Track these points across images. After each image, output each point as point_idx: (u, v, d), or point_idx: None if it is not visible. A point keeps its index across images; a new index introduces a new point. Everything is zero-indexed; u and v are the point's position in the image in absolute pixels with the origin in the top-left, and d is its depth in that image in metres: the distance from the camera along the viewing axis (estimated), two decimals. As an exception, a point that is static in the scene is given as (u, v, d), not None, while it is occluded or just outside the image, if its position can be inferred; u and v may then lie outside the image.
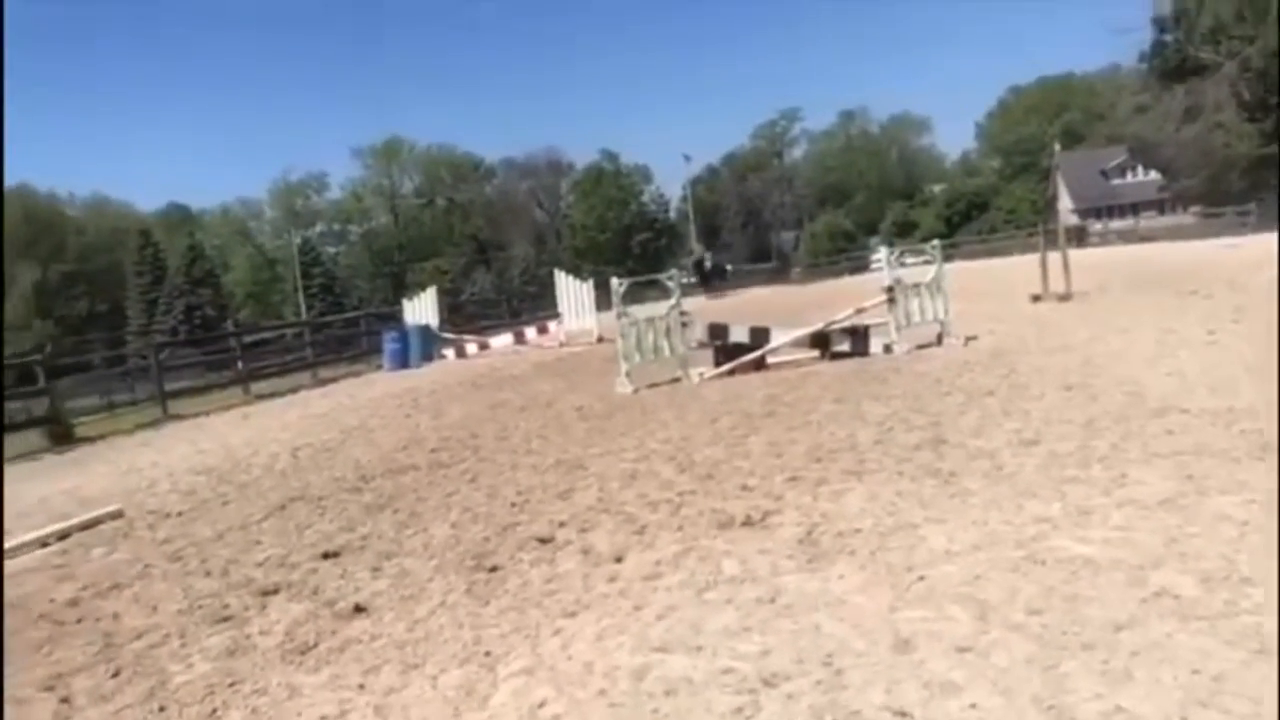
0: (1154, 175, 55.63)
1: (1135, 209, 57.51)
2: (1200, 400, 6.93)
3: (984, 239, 51.58)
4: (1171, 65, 47.52)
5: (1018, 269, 22.53)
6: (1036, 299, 16.39)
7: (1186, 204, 50.58)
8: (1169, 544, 4.14)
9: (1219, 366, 8.34)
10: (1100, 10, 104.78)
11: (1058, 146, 24.97)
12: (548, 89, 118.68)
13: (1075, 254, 20.40)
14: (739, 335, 12.26)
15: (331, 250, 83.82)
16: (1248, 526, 4.24)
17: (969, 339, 11.95)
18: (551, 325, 20.93)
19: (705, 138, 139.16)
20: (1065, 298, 15.96)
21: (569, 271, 24.01)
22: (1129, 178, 60.42)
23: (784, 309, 20.49)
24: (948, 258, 14.96)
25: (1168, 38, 48.18)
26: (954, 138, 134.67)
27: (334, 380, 19.58)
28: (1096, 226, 54.01)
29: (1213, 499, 4.69)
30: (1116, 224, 54.16)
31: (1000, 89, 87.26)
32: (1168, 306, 13.56)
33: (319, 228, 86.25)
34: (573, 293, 20.86)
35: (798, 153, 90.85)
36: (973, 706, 2.96)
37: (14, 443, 14.05)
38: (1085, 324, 12.43)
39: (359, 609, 4.62)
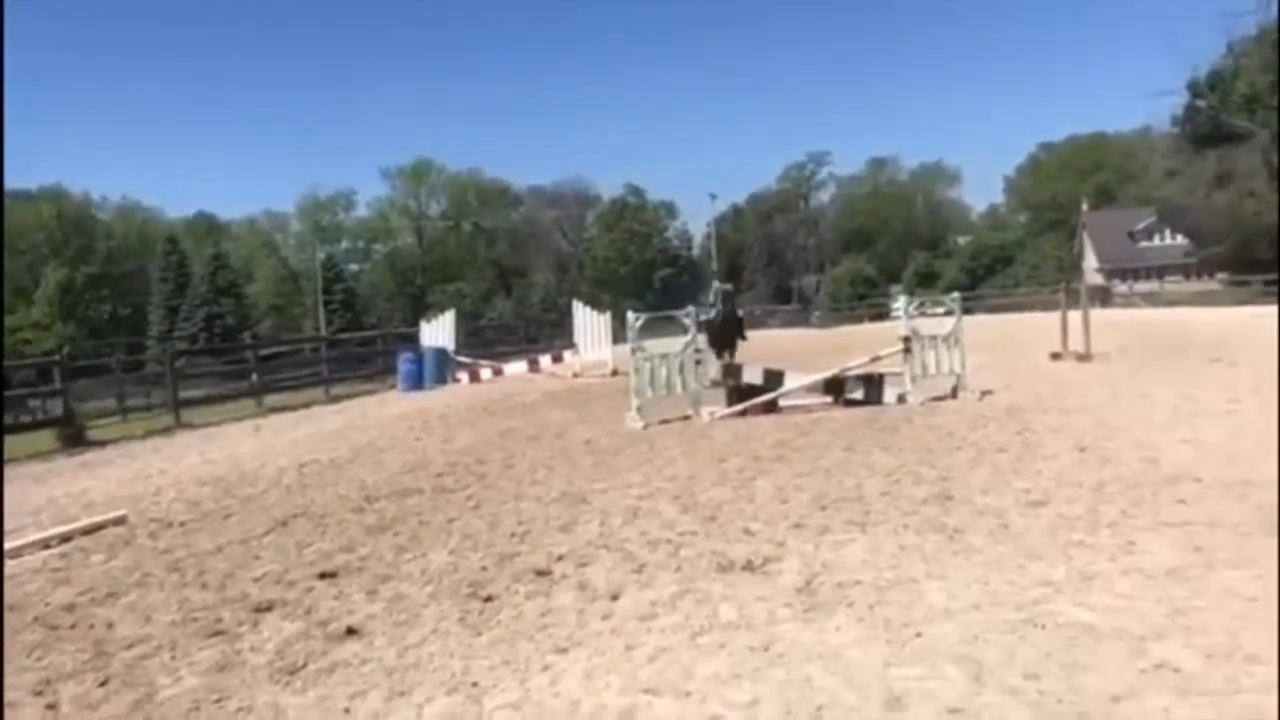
0: (1181, 240, 55.46)
1: (1161, 272, 57.22)
2: (1215, 470, 6.85)
3: (1007, 293, 51.39)
4: (1204, 131, 47.56)
5: (1039, 325, 22.40)
6: (1056, 357, 16.29)
7: (1213, 270, 50.30)
8: (1173, 616, 4.08)
9: (1237, 438, 8.25)
10: (1135, 71, 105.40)
11: (1085, 205, 24.86)
12: (577, 121, 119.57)
13: (1098, 314, 20.29)
14: (752, 376, 12.22)
15: (354, 268, 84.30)
16: (1256, 603, 4.17)
17: (984, 394, 11.87)
18: (567, 355, 20.92)
19: (731, 177, 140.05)
20: (1085, 358, 15.84)
21: (588, 303, 24.06)
22: (1156, 240, 60.14)
23: (801, 352, 20.42)
24: (969, 310, 14.94)
25: (1201, 103, 48.25)
26: (982, 190, 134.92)
27: (347, 398, 19.62)
28: (1121, 288, 53.76)
29: (1220, 572, 4.62)
30: (1141, 286, 53.88)
31: (1032, 145, 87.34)
32: (1189, 373, 13.43)
33: (343, 244, 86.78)
34: (590, 324, 20.88)
35: (824, 196, 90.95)
36: (961, 772, 2.90)
37: (26, 442, 14.14)
38: (1103, 385, 12.34)
39: (351, 631, 4.60)
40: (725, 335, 16.00)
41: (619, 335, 18.45)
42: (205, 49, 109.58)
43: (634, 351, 11.91)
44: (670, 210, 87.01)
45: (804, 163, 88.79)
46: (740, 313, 18.08)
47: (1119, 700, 3.33)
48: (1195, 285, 50.25)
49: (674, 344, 12.60)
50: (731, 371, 12.51)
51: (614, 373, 18.35)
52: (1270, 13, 43.10)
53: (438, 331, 21.89)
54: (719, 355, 15.24)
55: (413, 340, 22.70)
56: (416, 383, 19.55)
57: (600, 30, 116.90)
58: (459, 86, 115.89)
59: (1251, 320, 24.87)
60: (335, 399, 19.56)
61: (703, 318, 14.07)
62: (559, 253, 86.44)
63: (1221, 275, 48.02)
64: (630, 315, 12.36)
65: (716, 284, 17.63)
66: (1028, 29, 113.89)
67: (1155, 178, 55.28)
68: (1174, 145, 52.60)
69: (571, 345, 21.31)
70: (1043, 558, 5.00)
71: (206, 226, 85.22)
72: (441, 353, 20.65)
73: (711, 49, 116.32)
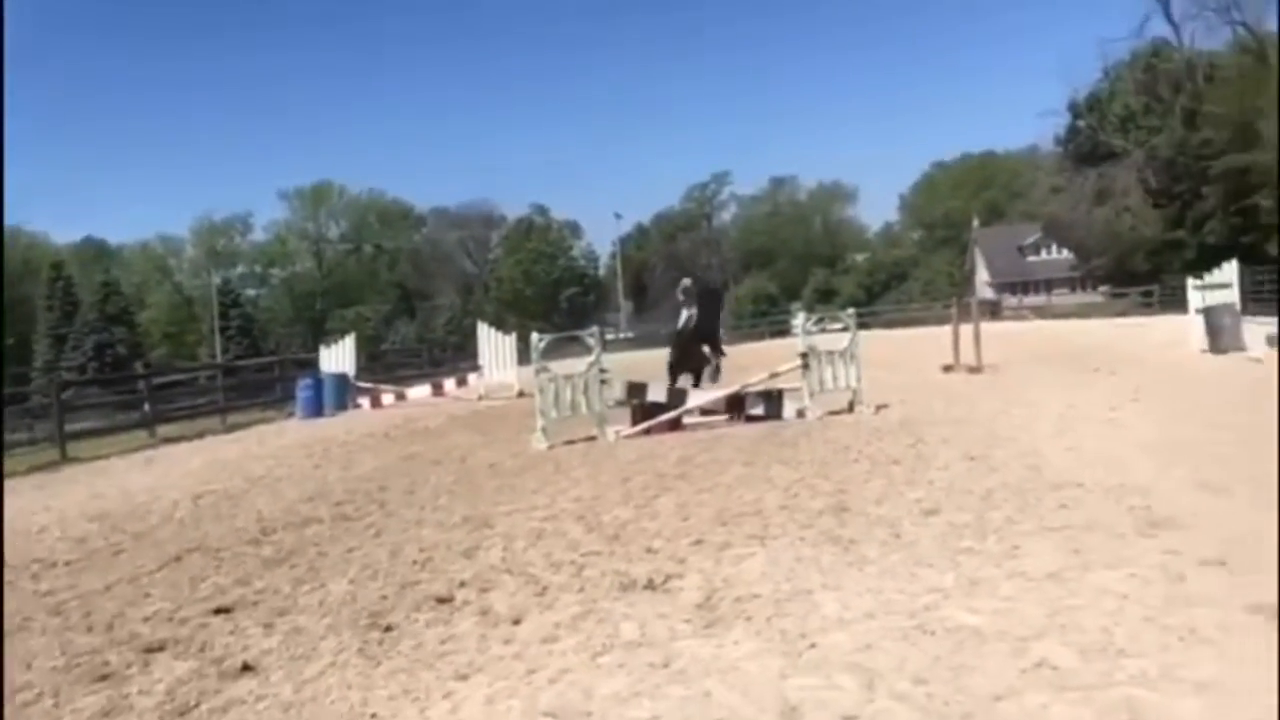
0: (1066, 254, 57.82)
1: (1048, 285, 59.63)
2: (1095, 476, 7.16)
3: (902, 309, 52.84)
4: (1085, 150, 49.94)
5: (932, 339, 23.11)
6: (948, 369, 16.82)
7: (1096, 283, 52.62)
8: (1052, 616, 4.26)
9: (1115, 443, 8.67)
10: (1023, 92, 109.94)
11: (976, 222, 25.73)
12: (481, 142, 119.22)
13: (989, 327, 21.03)
14: (656, 395, 12.33)
15: (251, 293, 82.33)
16: (1127, 600, 4.39)
17: (880, 407, 12.19)
18: (471, 377, 20.76)
19: (636, 197, 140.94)
20: (976, 370, 16.40)
21: (494, 324, 23.94)
22: (1043, 255, 62.60)
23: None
24: (866, 325, 15.33)
25: (1082, 123, 50.62)
26: (878, 209, 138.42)
27: (244, 426, 19.11)
28: (1011, 301, 55.82)
29: (1097, 573, 4.84)
30: (1030, 299, 56.08)
31: (925, 163, 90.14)
32: (1072, 382, 14.04)
33: (240, 269, 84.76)
34: (494, 346, 20.76)
35: (727, 216, 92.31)
36: (851, 777, 2.99)
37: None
38: (993, 396, 12.80)
39: (246, 668, 4.49)
40: (695, 352, 13.17)
41: (525, 356, 18.38)
42: (91, 64, 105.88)
43: (538, 372, 11.91)
44: (575, 230, 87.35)
45: (706, 183, 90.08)
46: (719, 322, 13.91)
47: (1001, 699, 3.47)
48: (1080, 297, 52.54)
49: (579, 364, 12.63)
50: (636, 391, 12.58)
51: (520, 394, 18.30)
52: (1142, 38, 45.58)
53: (337, 356, 21.47)
54: (675, 377, 12.92)
55: (312, 366, 22.24)
56: (316, 410, 19.17)
57: (503, 50, 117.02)
58: (361, 108, 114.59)
59: (1127, 329, 26.11)
60: (232, 428, 19.03)
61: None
62: (464, 274, 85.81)
63: (1104, 287, 50.26)
64: (535, 336, 12.37)
65: (686, 281, 13.57)
66: (922, 51, 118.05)
67: (1041, 195, 57.73)
68: (1058, 163, 55.15)
69: (476, 367, 21.16)
70: (933, 565, 5.17)
71: (95, 252, 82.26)
72: (341, 378, 20.28)
73: (615, 69, 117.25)
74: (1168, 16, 44.71)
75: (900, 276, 71.83)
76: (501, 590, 5.39)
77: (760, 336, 49.71)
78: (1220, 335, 16.99)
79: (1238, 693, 3.38)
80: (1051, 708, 3.38)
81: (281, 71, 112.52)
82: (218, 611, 5.46)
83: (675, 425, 11.96)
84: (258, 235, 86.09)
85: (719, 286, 13.05)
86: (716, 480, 8.23)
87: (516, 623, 4.80)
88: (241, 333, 68.39)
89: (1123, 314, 37.46)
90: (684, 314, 13.19)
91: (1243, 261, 21.48)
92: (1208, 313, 17.53)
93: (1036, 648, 3.91)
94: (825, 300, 65.10)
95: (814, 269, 79.46)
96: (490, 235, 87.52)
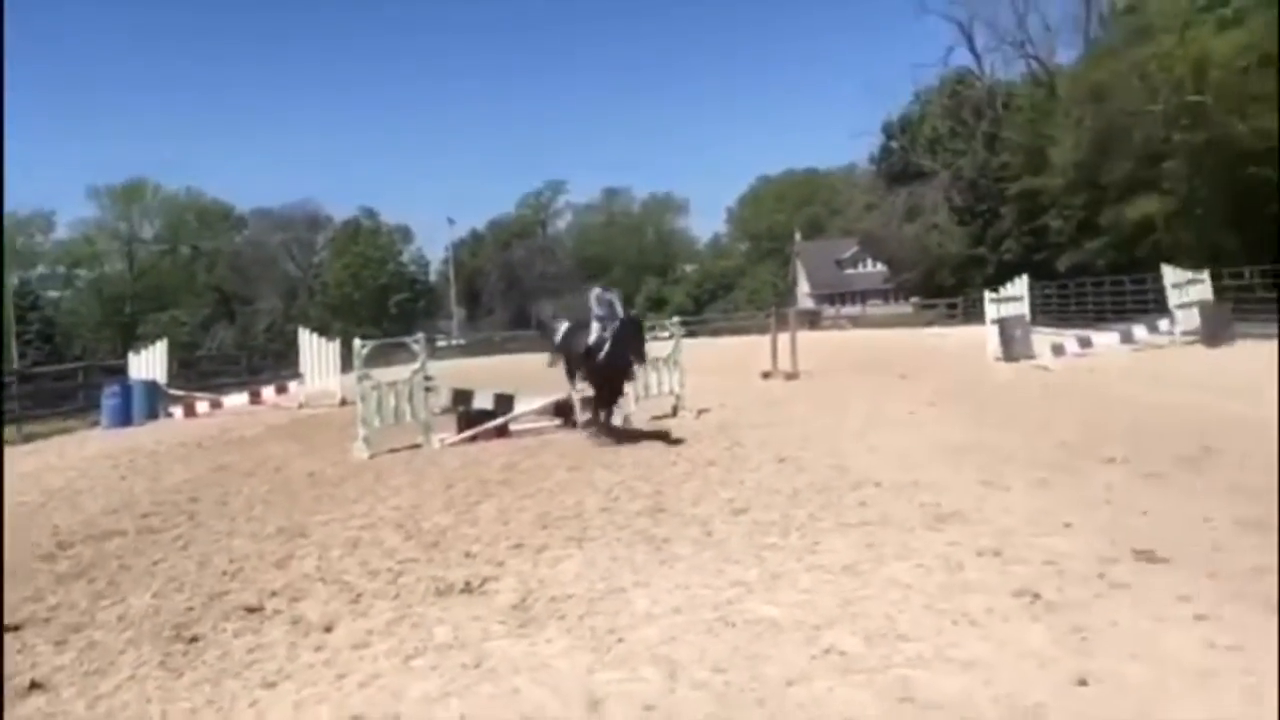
0: (880, 267, 60.85)
1: (863, 297, 62.59)
2: (891, 475, 7.66)
3: (729, 318, 54.30)
4: (897, 169, 52.83)
5: (755, 347, 23.88)
6: (766, 376, 17.47)
7: (906, 295, 55.58)
8: (844, 606, 4.57)
9: (912, 444, 9.27)
10: (843, 112, 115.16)
11: (798, 235, 26.75)
12: (307, 143, 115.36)
13: (808, 336, 21.93)
14: (483, 402, 12.29)
15: (54, 294, 76.76)
16: (911, 589, 4.75)
17: (701, 411, 12.57)
18: (292, 385, 20.08)
19: (471, 203, 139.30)
20: (792, 376, 17.11)
21: (319, 330, 23.21)
22: (859, 268, 65.60)
23: (537, 376, 20.68)
24: (694, 334, 15.74)
25: (894, 144, 53.50)
26: (708, 221, 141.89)
27: (43, 437, 17.83)
28: (830, 311, 58.13)
29: (888, 565, 5.21)
30: (847, 310, 58.60)
31: (751, 177, 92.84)
32: (879, 387, 14.85)
33: (40, 269, 78.85)
34: (317, 352, 20.12)
35: (561, 224, 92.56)
36: (647, 761, 3.14)
37: None
38: (806, 401, 13.40)
39: (35, 685, 4.28)
40: (617, 382, 11.32)
41: (349, 363, 17.89)
42: None
43: (360, 380, 11.68)
44: (406, 234, 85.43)
45: (541, 190, 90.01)
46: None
47: (792, 684, 3.71)
48: (892, 308, 55.46)
49: (404, 371, 12.46)
50: (462, 398, 12.50)
51: (343, 402, 17.83)
52: (948, 66, 48.63)
53: (148, 363, 20.35)
54: (601, 406, 11.31)
55: (120, 373, 20.99)
56: (124, 419, 18.11)
57: (332, 49, 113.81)
58: (181, 104, 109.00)
59: (932, 339, 27.76)
60: (29, 438, 17.74)
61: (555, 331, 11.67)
62: (287, 278, 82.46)
63: (914, 299, 53.16)
64: (357, 343, 12.11)
65: (599, 290, 11.81)
66: (751, 68, 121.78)
67: (857, 211, 60.75)
68: (872, 182, 58.15)
69: (297, 375, 20.48)
70: (739, 561, 5.43)
71: None
72: (152, 386, 19.23)
73: (449, 74, 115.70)
74: (971, 48, 47.91)
75: (727, 286, 73.92)
76: (314, 599, 5.32)
77: (592, 344, 50.06)
78: (1012, 344, 18.33)
79: (997, 667, 3.73)
80: (836, 690, 3.64)
81: (95, 61, 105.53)
82: (4, 630, 5.15)
83: (502, 432, 11.97)
84: (61, 233, 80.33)
85: (639, 319, 11.15)
86: (540, 485, 8.33)
87: (328, 630, 4.76)
88: (42, 337, 63.95)
89: (930, 324, 39.80)
90: (594, 327, 11.24)
91: (1034, 277, 23.24)
92: (1001, 324, 18.87)
93: (827, 635, 4.19)
94: (657, 309, 66.35)
95: (646, 278, 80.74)
96: (315, 238, 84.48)
